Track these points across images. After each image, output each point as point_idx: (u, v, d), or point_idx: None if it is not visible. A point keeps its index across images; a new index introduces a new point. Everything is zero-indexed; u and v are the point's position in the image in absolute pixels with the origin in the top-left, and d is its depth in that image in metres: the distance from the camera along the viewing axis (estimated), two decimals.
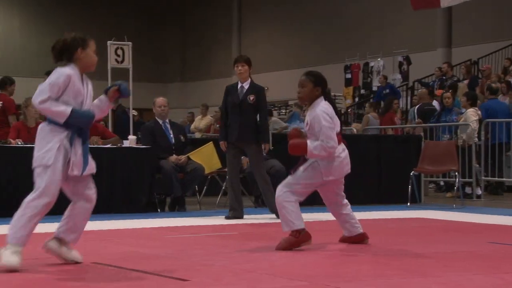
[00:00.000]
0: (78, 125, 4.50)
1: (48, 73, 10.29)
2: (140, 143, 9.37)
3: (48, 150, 4.42)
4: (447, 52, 19.83)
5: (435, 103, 14.40)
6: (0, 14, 25.62)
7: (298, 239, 5.23)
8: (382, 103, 18.02)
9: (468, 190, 11.39)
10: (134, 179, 8.83)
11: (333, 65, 21.88)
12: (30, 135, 8.80)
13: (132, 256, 5.09)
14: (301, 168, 5.35)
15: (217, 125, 17.02)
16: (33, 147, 8.54)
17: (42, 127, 4.52)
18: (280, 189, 5.29)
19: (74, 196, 4.68)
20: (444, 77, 16.76)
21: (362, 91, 20.84)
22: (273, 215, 7.69)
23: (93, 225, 7.18)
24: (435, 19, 19.64)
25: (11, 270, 4.23)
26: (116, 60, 10.93)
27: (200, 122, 17.50)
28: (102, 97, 4.77)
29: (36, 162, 4.44)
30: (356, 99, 20.78)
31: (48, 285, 4.00)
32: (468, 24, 19.30)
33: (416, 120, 13.32)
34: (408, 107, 18.76)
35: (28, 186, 8.07)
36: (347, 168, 5.53)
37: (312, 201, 6.00)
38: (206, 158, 9.37)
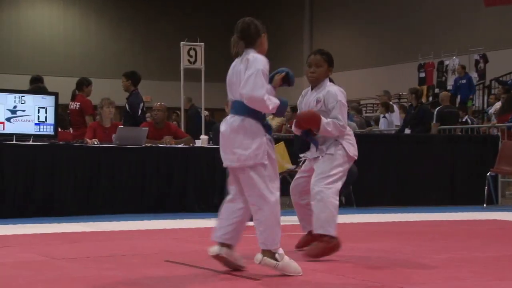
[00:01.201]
0: (278, 114, 4.35)
1: (126, 75, 10.49)
2: (212, 143, 9.46)
3: (258, 147, 4.15)
4: None
5: None
6: (78, 19, 26.28)
7: (332, 246, 4.84)
8: (459, 96, 17.66)
9: None
10: (206, 179, 8.92)
11: (406, 64, 21.55)
12: (106, 135, 9.01)
13: (204, 255, 5.14)
14: (326, 158, 4.97)
15: (288, 125, 17.04)
16: (108, 146, 8.73)
17: (239, 123, 4.17)
18: (324, 186, 4.85)
19: (242, 196, 4.29)
20: None
21: (436, 90, 20.46)
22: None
23: (165, 224, 7.32)
24: None
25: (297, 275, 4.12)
26: (188, 60, 11.08)
27: (272, 121, 17.55)
28: (268, 86, 4.35)
29: (250, 160, 4.14)
30: (430, 99, 20.42)
31: (119, 284, 4.08)
32: None
33: (492, 121, 13.08)
34: (485, 106, 18.34)
35: (105, 184, 8.28)
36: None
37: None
38: (277, 158, 9.38)
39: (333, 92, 5.01)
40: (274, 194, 4.14)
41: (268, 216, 4.13)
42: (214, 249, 4.30)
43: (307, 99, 5.15)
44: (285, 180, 10.40)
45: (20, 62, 24.23)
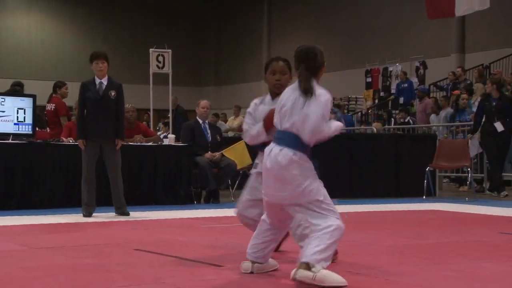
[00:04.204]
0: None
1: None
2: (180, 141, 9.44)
3: (311, 183, 3.58)
4: (460, 58, 19.58)
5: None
6: (54, 27, 25.96)
7: None
8: (401, 99, 17.88)
9: (487, 185, 11.21)
10: (173, 174, 8.87)
11: (355, 70, 21.78)
12: None
13: (171, 244, 5.11)
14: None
15: None
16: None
17: (290, 158, 3.56)
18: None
19: (282, 223, 3.80)
20: (457, 80, 16.57)
21: (381, 94, 20.72)
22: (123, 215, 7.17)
23: (136, 215, 7.25)
24: (449, 27, 19.41)
25: (341, 286, 3.42)
26: (157, 66, 10.99)
27: (233, 122, 17.56)
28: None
29: (304, 198, 3.56)
30: (376, 101, 20.66)
31: (92, 270, 4.02)
32: (480, 32, 19.04)
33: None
34: None
35: (80, 179, 8.14)
36: None
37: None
38: (238, 155, 9.40)
39: None
40: (335, 218, 3.53)
41: (326, 235, 3.47)
42: (247, 266, 3.84)
43: (268, 109, 4.30)
44: (246, 174, 10.41)
45: (0, 67, 23.83)
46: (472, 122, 11.70)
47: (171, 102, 11.75)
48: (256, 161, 4.47)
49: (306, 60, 3.66)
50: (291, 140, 3.57)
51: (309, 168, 3.59)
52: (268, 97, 4.47)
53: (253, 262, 3.84)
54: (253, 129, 4.29)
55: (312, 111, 3.52)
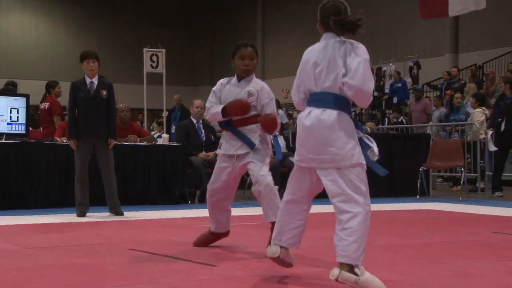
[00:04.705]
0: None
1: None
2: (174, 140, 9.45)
3: (355, 145, 3.34)
4: (454, 58, 19.64)
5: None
6: (48, 27, 25.92)
7: None
8: (394, 99, 17.92)
9: (481, 184, 11.23)
10: (167, 174, 8.86)
11: None
12: None
13: (165, 243, 5.10)
14: (258, 153, 4.53)
15: None
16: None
17: (335, 118, 3.31)
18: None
19: (310, 198, 3.60)
20: (451, 80, 16.62)
21: (375, 93, 20.73)
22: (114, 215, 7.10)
23: (130, 215, 7.24)
24: (443, 27, 19.46)
25: None
26: (151, 65, 10.99)
27: None
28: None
29: (347, 160, 3.30)
30: None
31: (87, 270, 4.01)
32: (474, 32, 19.10)
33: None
34: None
35: (74, 179, 8.15)
36: None
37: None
38: None
39: (267, 88, 4.61)
40: (368, 200, 3.35)
41: (362, 225, 3.27)
42: (273, 251, 3.64)
43: (234, 90, 4.59)
44: None
45: None
46: (467, 122, 11.74)
47: (165, 102, 11.73)
48: (221, 141, 4.75)
49: (334, 13, 3.49)
50: (332, 100, 3.33)
51: (352, 129, 3.34)
52: (234, 79, 4.71)
53: (281, 247, 3.63)
54: (214, 108, 4.60)
55: (356, 64, 3.29)
